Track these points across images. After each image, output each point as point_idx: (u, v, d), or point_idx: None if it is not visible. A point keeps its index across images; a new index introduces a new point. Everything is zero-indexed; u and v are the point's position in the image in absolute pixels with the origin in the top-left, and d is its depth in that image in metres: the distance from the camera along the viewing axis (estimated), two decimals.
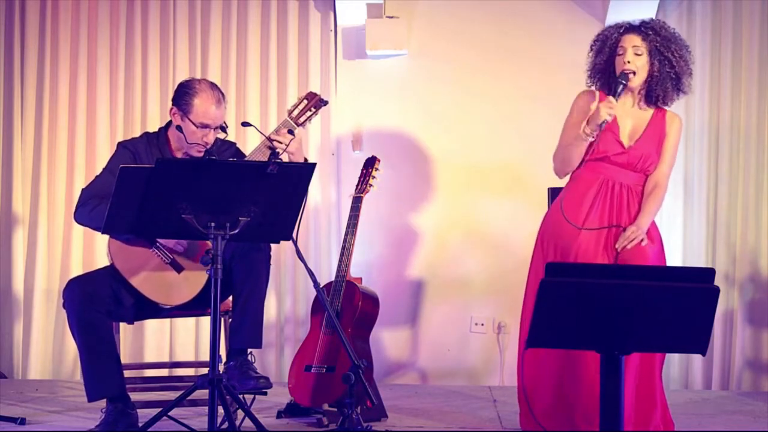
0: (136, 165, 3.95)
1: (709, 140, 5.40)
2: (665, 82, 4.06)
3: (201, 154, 4.03)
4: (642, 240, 3.95)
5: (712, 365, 5.34)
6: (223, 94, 4.07)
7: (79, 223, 4.10)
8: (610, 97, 3.98)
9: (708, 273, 3.03)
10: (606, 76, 4.12)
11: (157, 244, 3.99)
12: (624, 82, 4.00)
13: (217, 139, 4.09)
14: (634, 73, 4.02)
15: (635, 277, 3.04)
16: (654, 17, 5.26)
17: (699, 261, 5.36)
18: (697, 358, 5.32)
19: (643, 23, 4.10)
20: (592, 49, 4.18)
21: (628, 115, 4.11)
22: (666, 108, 4.15)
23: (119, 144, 4.20)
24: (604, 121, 3.95)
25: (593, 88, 4.18)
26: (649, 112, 4.13)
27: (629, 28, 4.09)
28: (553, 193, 4.38)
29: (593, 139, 4.00)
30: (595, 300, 2.99)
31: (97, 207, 3.93)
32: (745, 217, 5.35)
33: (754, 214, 5.36)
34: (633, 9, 5.16)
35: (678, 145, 4.16)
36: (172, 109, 4.07)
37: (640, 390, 3.91)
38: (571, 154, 4.07)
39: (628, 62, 4.02)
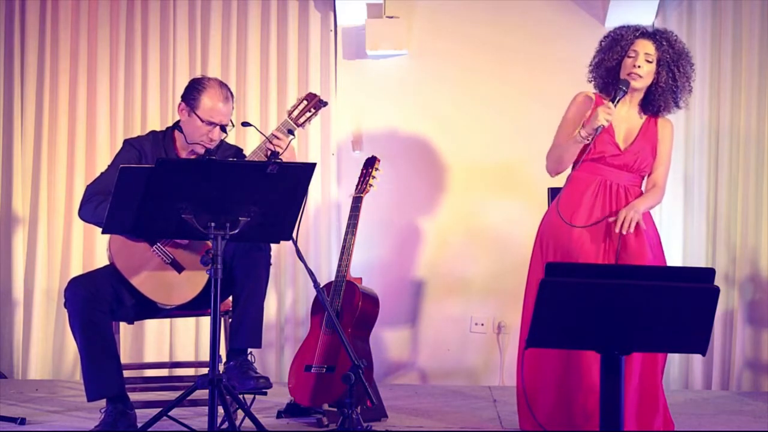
0: (136, 165, 3.95)
1: (709, 140, 5.39)
2: (666, 94, 4.09)
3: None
4: (639, 222, 3.96)
5: (712, 365, 5.33)
6: (231, 93, 4.10)
7: (83, 219, 4.09)
8: (609, 102, 3.99)
9: (708, 273, 3.03)
10: (611, 75, 4.11)
11: (157, 243, 3.99)
12: (624, 89, 4.02)
13: (221, 142, 4.09)
14: (641, 76, 4.03)
15: (635, 277, 3.04)
16: (654, 18, 5.29)
17: (699, 261, 5.36)
18: (697, 358, 5.32)
19: (659, 32, 4.11)
20: (601, 45, 4.18)
21: (624, 119, 4.12)
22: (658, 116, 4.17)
23: (125, 141, 4.20)
24: (601, 126, 3.95)
25: (593, 84, 4.19)
26: (642, 119, 4.14)
27: (645, 33, 4.09)
28: (553, 193, 4.38)
29: (588, 143, 4.00)
30: (595, 300, 2.99)
31: (101, 204, 3.93)
32: (745, 217, 5.35)
33: (754, 214, 5.35)
34: (633, 9, 5.18)
35: (671, 150, 4.19)
36: (180, 104, 4.08)
37: (644, 390, 3.90)
38: (563, 154, 4.08)
39: (639, 66, 4.03)
